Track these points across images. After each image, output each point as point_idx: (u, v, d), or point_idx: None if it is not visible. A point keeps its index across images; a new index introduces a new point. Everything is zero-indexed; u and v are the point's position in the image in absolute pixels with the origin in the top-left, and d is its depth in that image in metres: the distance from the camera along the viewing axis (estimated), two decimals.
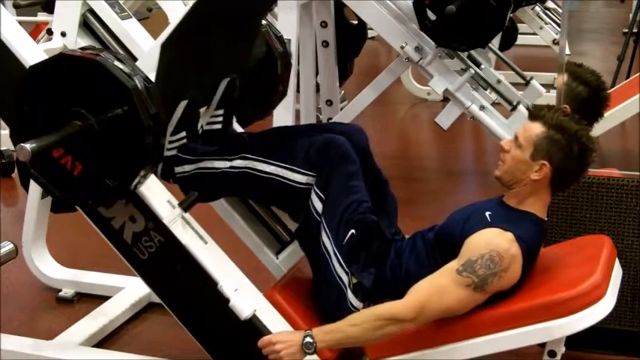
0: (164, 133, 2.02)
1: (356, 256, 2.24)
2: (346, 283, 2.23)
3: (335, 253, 2.23)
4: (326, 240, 2.24)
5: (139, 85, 1.90)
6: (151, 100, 1.91)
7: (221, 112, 2.46)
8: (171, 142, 2.28)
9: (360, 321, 2.10)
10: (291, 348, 2.08)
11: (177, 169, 2.33)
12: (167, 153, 2.23)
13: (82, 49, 1.99)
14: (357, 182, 2.29)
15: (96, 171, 1.96)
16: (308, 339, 2.07)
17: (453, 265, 2.10)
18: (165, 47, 1.98)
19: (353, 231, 2.23)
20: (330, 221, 2.24)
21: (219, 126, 2.48)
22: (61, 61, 1.95)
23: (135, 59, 2.17)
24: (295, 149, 2.30)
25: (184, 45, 2.09)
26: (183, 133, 2.31)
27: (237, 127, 2.69)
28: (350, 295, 2.22)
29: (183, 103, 2.22)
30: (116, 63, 1.91)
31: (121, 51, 2.50)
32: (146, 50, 2.42)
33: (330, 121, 4.31)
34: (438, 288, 2.09)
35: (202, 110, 2.42)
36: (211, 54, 2.30)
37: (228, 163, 2.32)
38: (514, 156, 2.20)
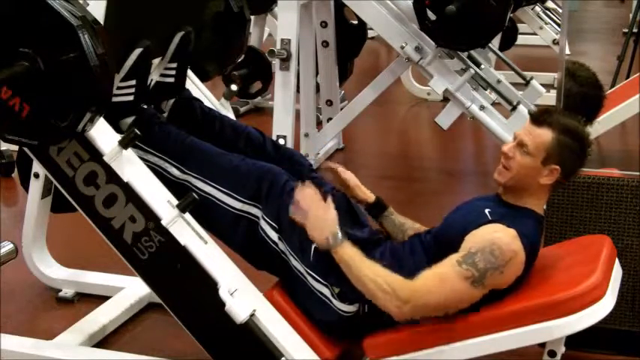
0: (112, 76, 2.00)
1: (328, 266, 2.21)
2: (329, 295, 2.23)
3: (308, 272, 2.24)
4: (295, 263, 2.26)
5: (84, 24, 1.88)
6: (97, 41, 1.90)
7: (175, 65, 2.48)
8: (120, 87, 2.26)
9: (373, 269, 2.10)
10: (329, 224, 2.14)
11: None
12: (117, 99, 2.21)
13: None
14: None
15: (43, 112, 1.95)
16: (340, 234, 2.14)
17: (453, 256, 2.09)
18: None
19: (315, 245, 2.23)
20: (293, 245, 2.25)
21: (171, 79, 2.50)
22: (6, 0, 1.92)
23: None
24: (234, 173, 2.31)
25: None
26: (134, 81, 2.29)
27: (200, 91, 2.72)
28: (337, 303, 2.22)
29: (137, 51, 2.22)
30: (63, 2, 1.89)
31: None
32: None
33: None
34: (438, 277, 2.07)
35: (156, 62, 2.41)
36: (164, 3, 2.32)
37: (171, 168, 2.32)
38: (522, 163, 2.17)
